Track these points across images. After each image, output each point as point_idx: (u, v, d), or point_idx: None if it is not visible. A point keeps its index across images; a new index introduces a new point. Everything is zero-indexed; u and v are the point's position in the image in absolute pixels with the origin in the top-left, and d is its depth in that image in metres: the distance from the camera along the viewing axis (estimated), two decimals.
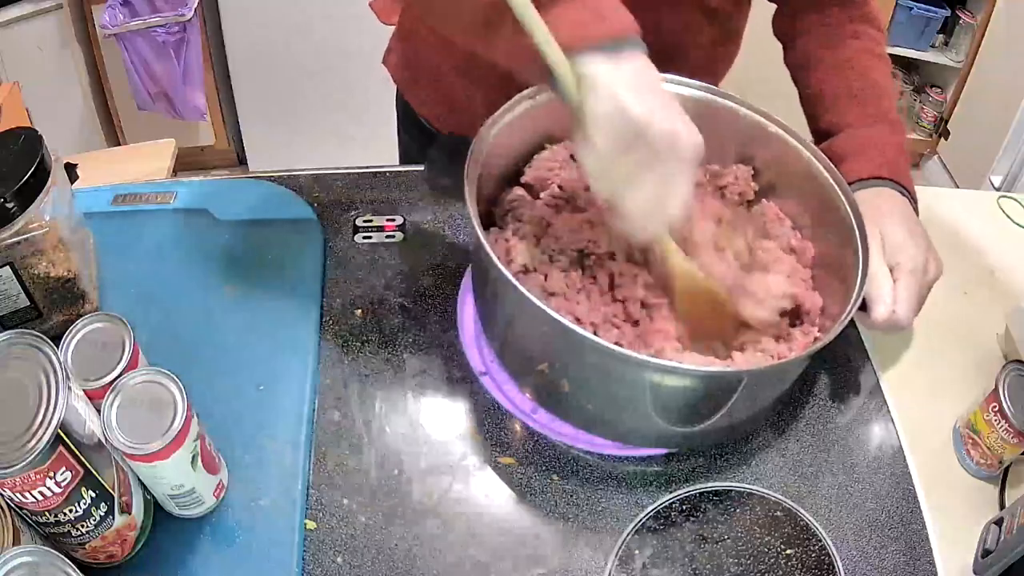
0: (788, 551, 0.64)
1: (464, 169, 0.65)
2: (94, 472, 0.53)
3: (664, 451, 0.70)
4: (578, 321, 0.66)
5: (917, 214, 0.75)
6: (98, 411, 0.55)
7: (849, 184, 0.72)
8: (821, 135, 0.82)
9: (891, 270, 0.70)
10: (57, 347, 0.53)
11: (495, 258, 0.60)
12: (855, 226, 0.68)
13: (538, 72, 0.56)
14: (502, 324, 0.69)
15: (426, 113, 1.01)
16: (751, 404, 0.66)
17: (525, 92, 0.71)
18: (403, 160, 1.17)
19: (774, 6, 0.90)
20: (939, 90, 2.65)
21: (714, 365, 0.64)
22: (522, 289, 0.58)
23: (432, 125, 1.00)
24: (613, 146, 0.55)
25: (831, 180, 0.71)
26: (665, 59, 0.79)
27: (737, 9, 0.88)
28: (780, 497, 0.67)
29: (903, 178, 0.75)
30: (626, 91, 0.54)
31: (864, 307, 0.69)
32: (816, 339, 0.68)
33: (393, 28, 1.03)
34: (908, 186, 0.75)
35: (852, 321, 0.78)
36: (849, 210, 0.69)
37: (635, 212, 0.58)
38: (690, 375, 0.61)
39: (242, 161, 2.46)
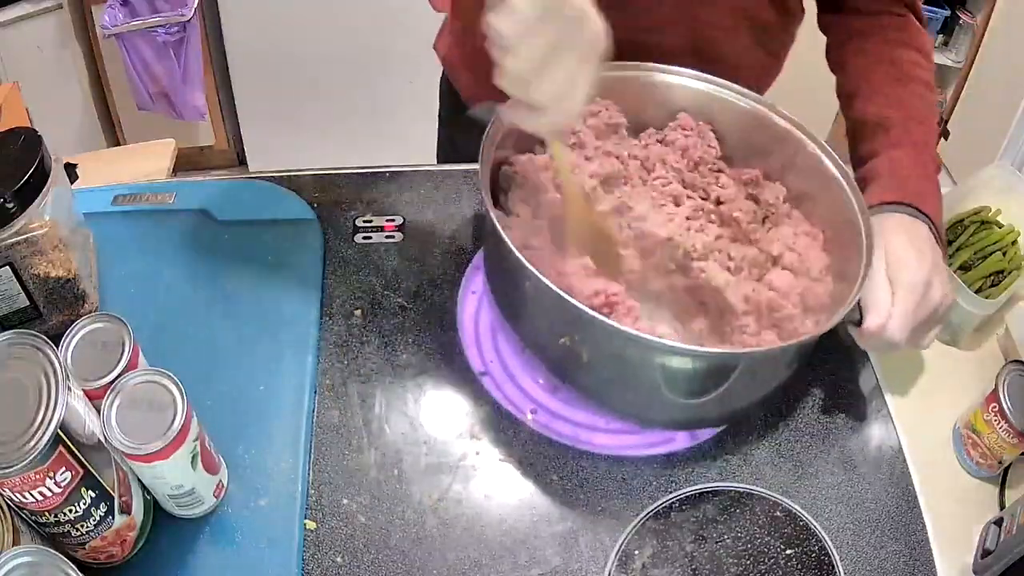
0: (788, 551, 0.64)
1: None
2: (94, 472, 0.53)
3: (665, 451, 0.70)
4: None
5: (938, 239, 0.73)
6: (98, 411, 0.55)
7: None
8: (857, 163, 0.81)
9: (891, 284, 0.69)
10: (57, 347, 0.53)
11: (507, 240, 0.62)
12: (865, 241, 0.69)
13: None
14: (521, 306, 0.71)
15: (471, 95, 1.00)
16: (748, 386, 0.67)
17: None
18: (440, 156, 1.15)
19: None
20: (939, 90, 2.65)
21: (715, 348, 0.68)
22: (539, 275, 0.60)
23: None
24: (531, 7, 0.54)
25: (853, 200, 0.72)
26: (700, 55, 0.82)
27: (779, 23, 0.89)
28: (780, 497, 0.67)
29: (917, 200, 0.74)
30: None
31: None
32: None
33: (445, 15, 1.01)
34: (925, 209, 0.73)
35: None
36: (862, 228, 0.70)
37: (544, 97, 0.57)
38: (691, 355, 0.64)
39: (242, 161, 2.46)
